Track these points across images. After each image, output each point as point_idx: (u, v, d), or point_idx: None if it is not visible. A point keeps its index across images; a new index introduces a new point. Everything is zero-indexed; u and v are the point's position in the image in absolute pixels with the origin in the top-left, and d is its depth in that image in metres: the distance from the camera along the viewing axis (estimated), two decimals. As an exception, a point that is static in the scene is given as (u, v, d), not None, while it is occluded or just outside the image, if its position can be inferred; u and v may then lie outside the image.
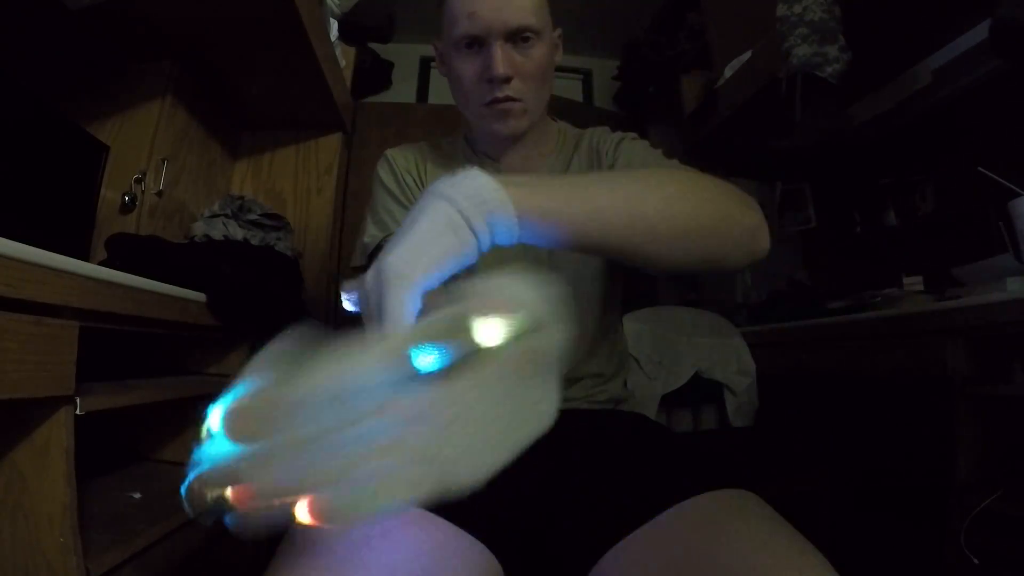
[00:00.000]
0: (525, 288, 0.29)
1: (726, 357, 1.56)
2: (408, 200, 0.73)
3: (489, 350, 0.27)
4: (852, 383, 1.53)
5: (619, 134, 0.77)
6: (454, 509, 0.46)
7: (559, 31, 0.72)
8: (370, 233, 0.71)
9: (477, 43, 0.65)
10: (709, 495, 0.48)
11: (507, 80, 0.65)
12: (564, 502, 0.54)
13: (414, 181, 0.75)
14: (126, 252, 1.00)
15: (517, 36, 0.64)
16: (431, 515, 0.47)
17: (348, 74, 2.00)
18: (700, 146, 2.19)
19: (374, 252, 0.70)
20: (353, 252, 0.75)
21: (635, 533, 0.47)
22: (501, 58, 0.63)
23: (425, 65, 2.82)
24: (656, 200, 0.43)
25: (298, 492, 0.23)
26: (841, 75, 1.42)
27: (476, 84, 0.66)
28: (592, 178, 0.51)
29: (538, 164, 0.76)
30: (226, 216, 1.41)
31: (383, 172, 0.76)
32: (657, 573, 0.43)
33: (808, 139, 1.48)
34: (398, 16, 2.33)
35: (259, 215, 1.45)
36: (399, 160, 0.76)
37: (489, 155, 0.76)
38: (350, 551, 0.42)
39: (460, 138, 0.81)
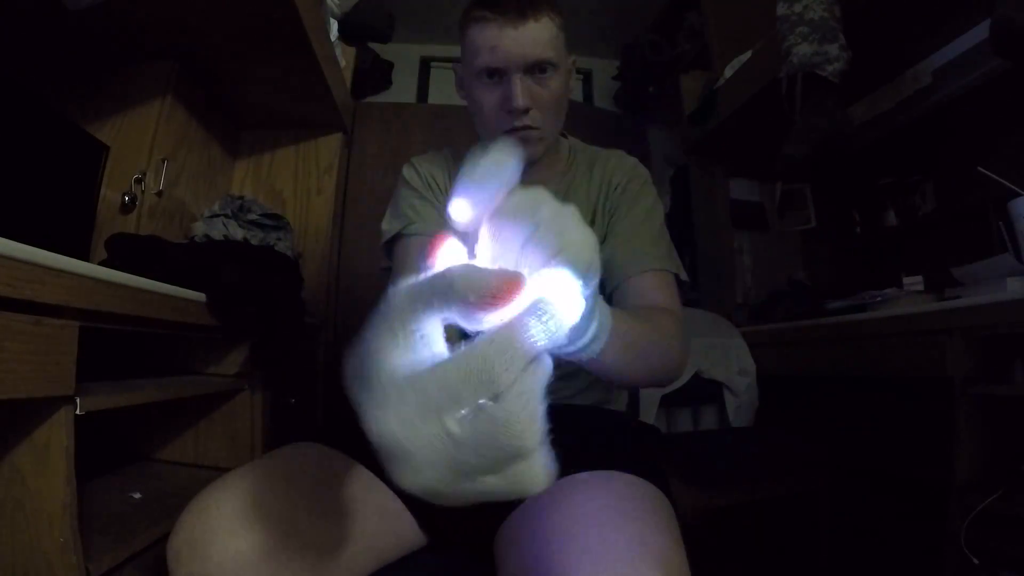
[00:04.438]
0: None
1: (726, 357, 1.56)
2: (433, 199, 0.77)
3: None
4: (852, 383, 1.53)
5: (631, 168, 0.79)
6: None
7: (573, 58, 0.75)
8: (388, 223, 0.77)
9: (498, 74, 0.68)
10: (588, 474, 0.53)
11: (526, 111, 0.68)
12: None
13: (439, 186, 0.79)
14: (126, 252, 1.00)
15: (536, 68, 0.67)
16: (376, 479, 0.59)
17: (348, 74, 2.00)
18: (700, 146, 2.19)
19: (389, 243, 0.77)
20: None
21: (523, 503, 0.55)
22: (520, 90, 0.66)
23: (425, 65, 2.81)
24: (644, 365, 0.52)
25: None
26: (842, 74, 1.41)
27: (496, 113, 0.70)
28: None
29: (547, 182, 0.79)
30: (226, 216, 1.41)
31: (408, 174, 0.80)
32: (518, 537, 0.52)
33: (808, 144, 1.47)
34: (398, 16, 2.32)
35: (259, 215, 1.45)
36: (424, 166, 0.81)
37: None
38: (313, 488, 0.54)
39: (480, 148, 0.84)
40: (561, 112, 0.72)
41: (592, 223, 0.76)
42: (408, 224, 0.74)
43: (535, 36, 0.66)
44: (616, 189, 0.76)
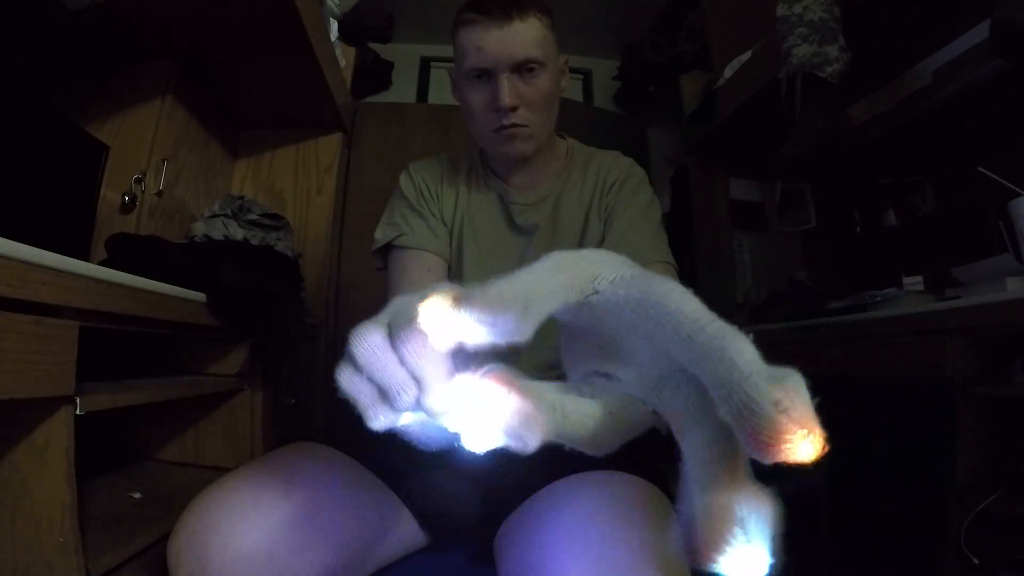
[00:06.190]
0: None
1: (726, 357, 1.56)
2: (423, 210, 0.79)
3: None
4: (852, 383, 1.53)
5: (627, 167, 0.81)
6: (395, 479, 0.61)
7: (565, 58, 0.76)
8: (382, 230, 0.79)
9: (485, 74, 0.69)
10: (587, 474, 0.53)
11: (513, 109, 0.69)
12: (481, 479, 0.61)
13: (431, 194, 0.80)
14: (126, 252, 1.00)
15: (522, 67, 0.69)
16: (377, 479, 0.60)
17: (348, 74, 2.00)
18: (700, 146, 2.19)
19: (379, 251, 0.79)
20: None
21: (524, 504, 0.55)
22: (507, 89, 0.68)
23: (425, 65, 2.81)
24: None
25: None
26: (841, 75, 1.41)
27: (485, 112, 0.71)
28: None
29: (542, 182, 0.80)
30: (226, 216, 1.41)
31: (404, 182, 0.82)
32: (518, 537, 0.51)
33: (807, 144, 1.47)
34: (398, 16, 2.32)
35: (259, 215, 1.45)
36: (419, 174, 0.82)
37: (499, 174, 0.81)
38: (314, 488, 0.54)
39: (476, 154, 0.85)
40: (551, 110, 0.73)
41: (586, 222, 0.77)
42: (399, 235, 0.76)
43: (520, 36, 0.67)
44: (612, 188, 0.77)
